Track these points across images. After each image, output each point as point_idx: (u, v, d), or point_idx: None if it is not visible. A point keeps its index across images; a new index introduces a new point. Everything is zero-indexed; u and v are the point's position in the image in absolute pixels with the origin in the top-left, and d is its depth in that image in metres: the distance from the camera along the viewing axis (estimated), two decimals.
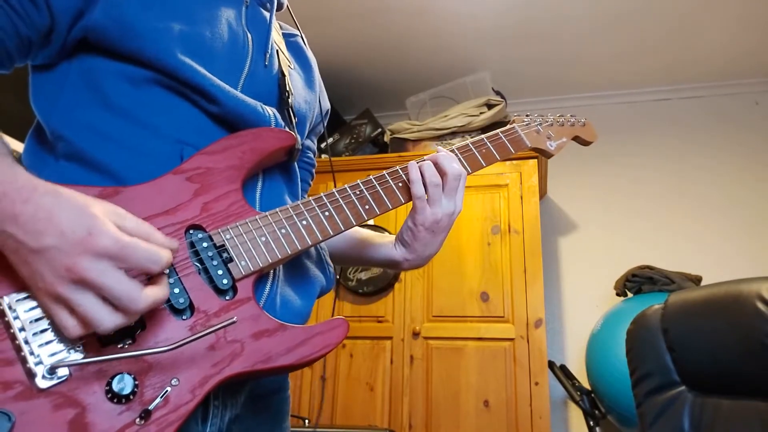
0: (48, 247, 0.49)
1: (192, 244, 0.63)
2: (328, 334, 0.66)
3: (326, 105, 1.01)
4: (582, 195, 3.01)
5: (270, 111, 0.77)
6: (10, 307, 0.52)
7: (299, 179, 0.86)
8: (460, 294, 2.46)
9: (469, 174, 0.88)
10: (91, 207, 0.51)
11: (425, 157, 0.85)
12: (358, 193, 0.78)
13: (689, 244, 2.79)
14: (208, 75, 0.71)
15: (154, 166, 0.65)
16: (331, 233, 0.73)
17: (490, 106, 2.82)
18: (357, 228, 0.94)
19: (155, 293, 0.53)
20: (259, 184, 0.75)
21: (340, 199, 0.76)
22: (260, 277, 0.69)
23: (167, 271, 0.55)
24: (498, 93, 2.88)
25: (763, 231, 2.74)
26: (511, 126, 1.00)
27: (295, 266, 0.79)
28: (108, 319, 0.50)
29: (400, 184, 0.82)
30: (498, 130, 0.98)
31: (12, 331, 0.52)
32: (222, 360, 0.59)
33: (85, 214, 0.50)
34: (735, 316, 1.08)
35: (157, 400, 0.53)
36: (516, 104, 3.18)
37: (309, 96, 0.92)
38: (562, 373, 2.44)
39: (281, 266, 0.74)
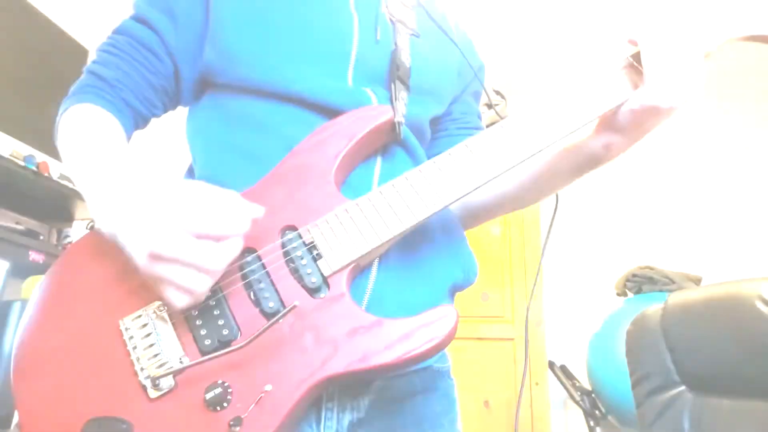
0: (132, 231, 0.55)
1: (283, 245, 0.62)
2: (435, 325, 0.57)
3: (477, 62, 0.91)
4: (582, 195, 3.01)
5: (381, 95, 0.73)
6: (127, 329, 0.59)
7: (425, 154, 0.78)
8: (460, 294, 2.45)
9: None
10: (160, 187, 0.56)
11: None
12: (467, 152, 0.66)
13: (689, 244, 2.79)
14: (313, 84, 0.71)
15: (266, 169, 0.67)
16: (430, 211, 0.63)
17: (490, 106, 2.82)
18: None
19: (228, 248, 0.55)
20: (377, 166, 0.71)
21: (440, 169, 0.65)
22: (361, 270, 0.65)
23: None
24: (498, 93, 2.88)
25: (763, 231, 2.74)
26: None
27: (415, 259, 0.71)
28: (199, 282, 0.54)
29: (519, 135, 0.66)
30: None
31: (127, 348, 0.58)
32: (314, 362, 0.56)
33: (153, 194, 0.56)
34: (735, 316, 1.08)
35: (252, 405, 0.54)
36: (516, 104, 3.18)
37: (446, 58, 0.85)
38: (562, 373, 2.44)
39: (392, 259, 0.68)
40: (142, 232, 0.54)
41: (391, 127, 0.70)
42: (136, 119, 0.76)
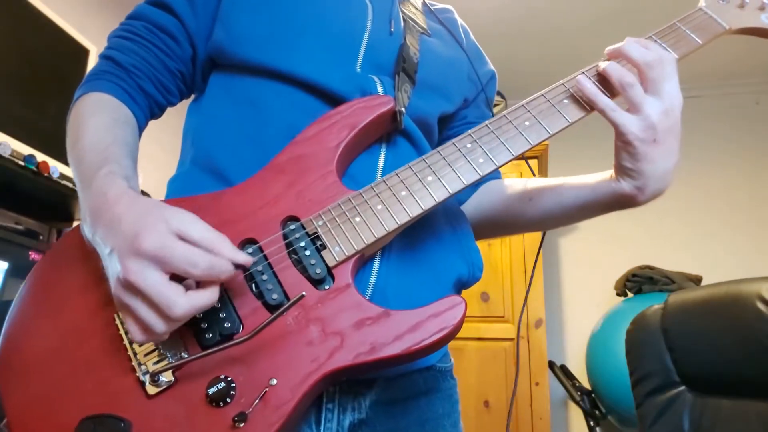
0: (111, 250, 0.53)
1: (285, 236, 0.60)
2: (445, 314, 0.56)
3: (485, 70, 0.93)
4: None
5: (387, 84, 0.73)
6: (122, 322, 0.57)
7: (431, 148, 0.75)
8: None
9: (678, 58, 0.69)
10: (152, 211, 0.53)
11: (602, 62, 0.70)
12: (468, 145, 0.65)
13: (689, 244, 2.79)
14: (321, 67, 0.70)
15: (264, 154, 0.65)
16: (436, 200, 0.62)
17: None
18: (533, 181, 0.82)
19: (196, 299, 0.51)
20: (381, 155, 0.70)
21: (444, 158, 0.64)
22: (365, 262, 0.64)
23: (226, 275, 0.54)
24: (498, 93, 2.88)
25: (763, 231, 2.74)
26: (696, 9, 0.76)
27: (419, 251, 0.70)
28: (158, 324, 0.50)
29: (527, 123, 0.67)
30: (675, 20, 0.74)
31: (123, 343, 0.56)
32: (321, 355, 0.54)
33: (142, 217, 0.52)
34: (735, 316, 1.08)
35: (256, 401, 0.52)
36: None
37: (455, 59, 0.85)
38: (562, 373, 2.44)
39: (395, 251, 0.67)
40: (121, 256, 0.51)
41: (393, 117, 0.69)
42: (152, 107, 0.75)
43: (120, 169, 0.60)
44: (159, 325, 0.50)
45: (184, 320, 0.52)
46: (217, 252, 0.52)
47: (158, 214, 0.52)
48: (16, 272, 1.69)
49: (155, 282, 0.49)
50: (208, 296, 0.52)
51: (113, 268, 0.52)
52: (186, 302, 0.50)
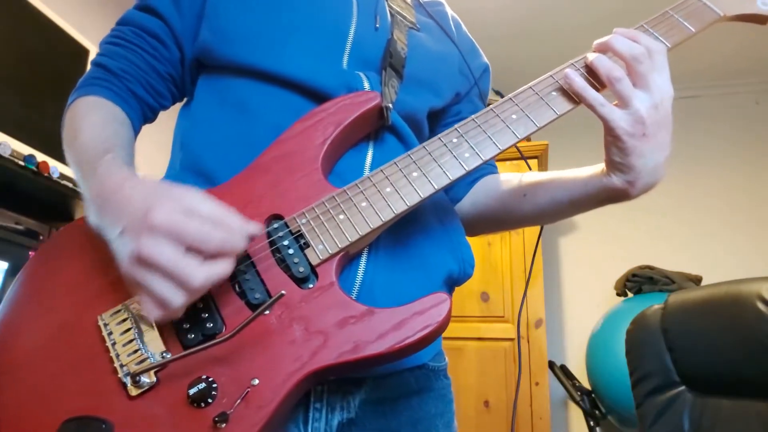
0: (122, 230, 0.53)
1: (269, 235, 0.60)
2: (429, 312, 0.55)
3: (478, 63, 0.92)
4: None
5: (374, 80, 0.72)
6: (105, 324, 0.57)
7: (419, 143, 0.74)
8: (460, 294, 2.46)
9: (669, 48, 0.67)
10: (160, 189, 0.54)
11: (590, 54, 0.69)
12: (454, 140, 0.64)
13: (689, 244, 2.79)
14: (307, 65, 0.70)
15: (253, 156, 0.65)
16: (422, 196, 0.61)
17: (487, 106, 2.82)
18: (522, 175, 0.82)
19: (213, 269, 0.51)
20: (369, 152, 0.69)
21: (430, 154, 0.64)
22: (351, 259, 0.63)
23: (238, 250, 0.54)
24: (498, 93, 2.88)
25: (763, 231, 2.74)
26: None
27: (407, 248, 0.69)
28: (176, 297, 0.50)
29: (514, 116, 0.66)
30: (667, 8, 0.73)
31: (106, 345, 0.56)
32: (304, 354, 0.54)
33: (151, 195, 0.53)
34: (735, 316, 1.08)
35: (238, 401, 0.52)
36: None
37: (445, 54, 0.84)
38: (562, 373, 2.44)
39: (383, 248, 0.66)
40: (134, 234, 0.51)
41: (380, 113, 0.68)
42: (144, 110, 0.75)
43: (123, 156, 0.62)
44: (176, 298, 0.50)
45: (202, 292, 0.52)
46: (228, 225, 0.53)
47: (167, 192, 0.53)
48: (16, 272, 1.69)
49: (171, 255, 0.49)
50: (223, 267, 0.52)
51: (124, 247, 0.52)
52: (203, 272, 0.50)
